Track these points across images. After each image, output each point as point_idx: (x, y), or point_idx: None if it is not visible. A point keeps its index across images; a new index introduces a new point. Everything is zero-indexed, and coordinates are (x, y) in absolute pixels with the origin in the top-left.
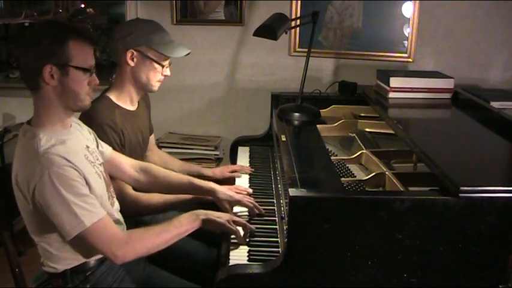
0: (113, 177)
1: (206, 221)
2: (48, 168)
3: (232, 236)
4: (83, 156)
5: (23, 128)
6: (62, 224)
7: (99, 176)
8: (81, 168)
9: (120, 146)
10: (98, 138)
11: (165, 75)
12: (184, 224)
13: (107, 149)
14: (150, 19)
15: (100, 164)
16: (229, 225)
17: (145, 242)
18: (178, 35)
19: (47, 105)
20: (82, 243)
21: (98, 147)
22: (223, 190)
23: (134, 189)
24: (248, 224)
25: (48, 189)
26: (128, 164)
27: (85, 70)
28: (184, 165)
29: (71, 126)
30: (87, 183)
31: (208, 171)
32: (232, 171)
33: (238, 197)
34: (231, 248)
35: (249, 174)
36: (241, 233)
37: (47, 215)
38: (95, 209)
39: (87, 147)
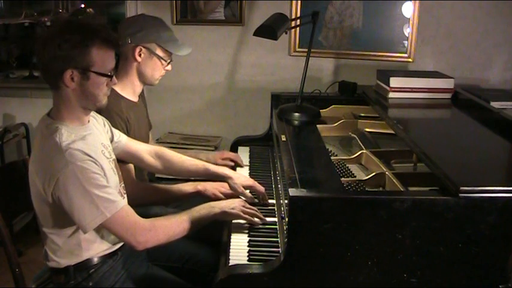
0: (122, 164)
1: (221, 213)
2: (72, 162)
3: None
4: (100, 152)
5: (44, 120)
6: (83, 217)
7: (114, 172)
8: (100, 163)
9: (126, 134)
10: (112, 128)
11: (166, 70)
12: (203, 215)
13: (122, 137)
14: (155, 15)
15: (113, 161)
16: (243, 215)
17: (167, 230)
18: (178, 35)
19: (67, 104)
20: (94, 233)
21: (112, 139)
22: (237, 175)
23: (149, 173)
24: (258, 212)
25: (72, 182)
26: (144, 150)
27: (106, 75)
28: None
29: (88, 121)
30: (105, 175)
31: (203, 156)
32: (225, 159)
33: (251, 182)
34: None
35: (249, 174)
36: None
37: (63, 209)
38: (116, 198)
39: (102, 143)
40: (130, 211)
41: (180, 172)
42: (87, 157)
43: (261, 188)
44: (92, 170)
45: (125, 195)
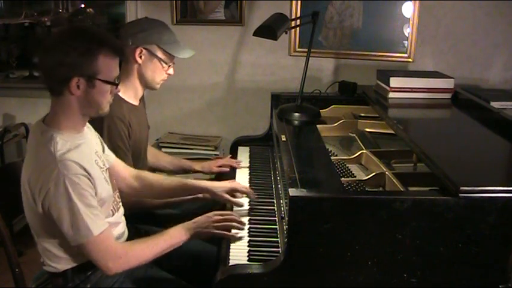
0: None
1: (194, 234)
2: (65, 174)
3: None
4: (94, 161)
5: (39, 126)
6: (67, 231)
7: (107, 182)
8: (92, 174)
9: (128, 138)
10: (104, 144)
11: (168, 74)
12: (175, 237)
13: (110, 156)
14: (156, 17)
15: (106, 170)
16: (216, 231)
17: (139, 255)
18: (178, 35)
19: (67, 111)
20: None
21: (103, 151)
22: (216, 185)
23: (130, 197)
24: (236, 217)
25: (62, 195)
26: (126, 172)
27: (111, 83)
28: (175, 160)
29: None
30: (95, 187)
31: (197, 166)
32: (220, 166)
33: (232, 185)
34: (231, 241)
35: (249, 174)
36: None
37: (53, 218)
38: (100, 221)
39: (96, 151)
40: (109, 236)
41: (159, 193)
42: (80, 170)
43: (245, 188)
44: (82, 186)
45: (120, 204)
